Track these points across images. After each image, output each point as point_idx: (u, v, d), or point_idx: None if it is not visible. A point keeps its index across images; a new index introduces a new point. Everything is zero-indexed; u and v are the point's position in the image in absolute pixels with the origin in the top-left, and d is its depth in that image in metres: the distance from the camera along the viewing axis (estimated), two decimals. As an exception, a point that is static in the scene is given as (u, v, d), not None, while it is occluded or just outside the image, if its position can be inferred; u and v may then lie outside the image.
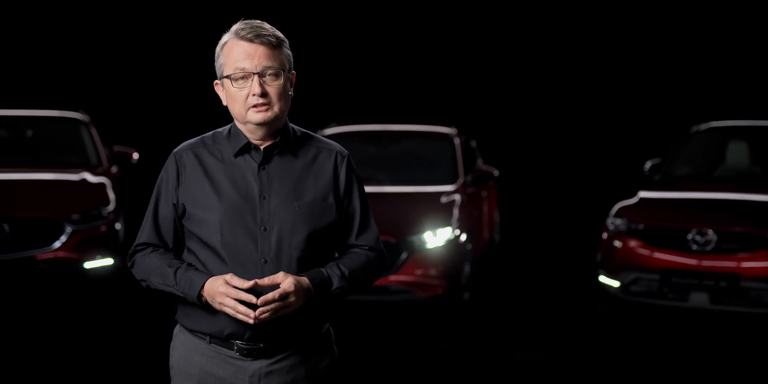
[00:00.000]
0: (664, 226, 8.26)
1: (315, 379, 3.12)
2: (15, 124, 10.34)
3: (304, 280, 2.99)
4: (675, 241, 8.10)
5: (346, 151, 3.21)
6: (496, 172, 10.57)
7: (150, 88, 17.15)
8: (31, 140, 10.26)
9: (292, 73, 3.12)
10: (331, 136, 9.93)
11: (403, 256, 8.30)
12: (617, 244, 8.39)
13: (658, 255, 8.11)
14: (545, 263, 11.08)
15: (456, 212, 8.79)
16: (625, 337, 7.82)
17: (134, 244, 3.18)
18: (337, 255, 3.20)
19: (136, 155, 10.51)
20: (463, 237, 8.77)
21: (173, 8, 17.61)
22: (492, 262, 10.70)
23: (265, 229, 3.02)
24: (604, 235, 8.62)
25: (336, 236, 3.16)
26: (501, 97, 18.07)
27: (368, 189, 9.52)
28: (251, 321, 2.90)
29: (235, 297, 2.91)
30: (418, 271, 8.34)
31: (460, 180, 9.51)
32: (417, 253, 8.34)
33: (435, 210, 8.78)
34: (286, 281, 2.93)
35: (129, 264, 3.18)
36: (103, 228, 8.89)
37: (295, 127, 3.19)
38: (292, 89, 3.12)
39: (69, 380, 6.49)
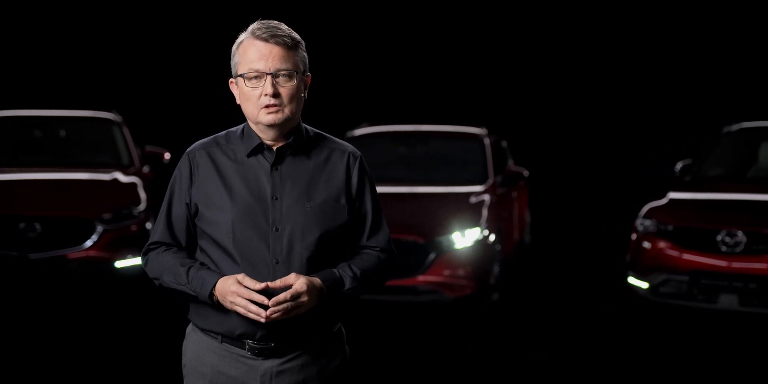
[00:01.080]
0: (693, 227, 8.20)
1: (326, 379, 3.13)
2: (48, 124, 10.44)
3: (317, 280, 2.99)
4: (704, 242, 8.04)
5: (359, 152, 3.21)
6: (526, 173, 10.55)
7: (182, 88, 17.23)
8: (64, 140, 10.36)
9: (307, 75, 3.12)
10: (361, 137, 9.97)
11: (432, 256, 8.30)
12: (646, 245, 8.34)
13: (687, 256, 8.06)
14: (575, 264, 11.04)
15: (485, 212, 8.78)
16: (653, 338, 7.78)
17: (147, 243, 3.20)
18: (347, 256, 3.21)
19: (167, 155, 10.57)
20: (492, 237, 8.75)
21: (205, 9, 17.69)
22: (522, 263, 10.67)
23: (276, 230, 3.03)
24: (634, 236, 8.58)
25: (348, 237, 3.16)
26: (532, 98, 18.04)
27: (397, 189, 9.55)
28: (262, 320, 2.92)
29: (247, 297, 2.92)
30: (447, 272, 8.33)
31: (490, 180, 9.49)
32: (445, 253, 8.33)
33: (464, 210, 8.77)
34: (298, 281, 2.94)
35: (143, 262, 3.20)
36: (134, 227, 8.95)
37: (308, 127, 3.19)
38: (306, 91, 3.12)
39: (85, 377, 6.53)
